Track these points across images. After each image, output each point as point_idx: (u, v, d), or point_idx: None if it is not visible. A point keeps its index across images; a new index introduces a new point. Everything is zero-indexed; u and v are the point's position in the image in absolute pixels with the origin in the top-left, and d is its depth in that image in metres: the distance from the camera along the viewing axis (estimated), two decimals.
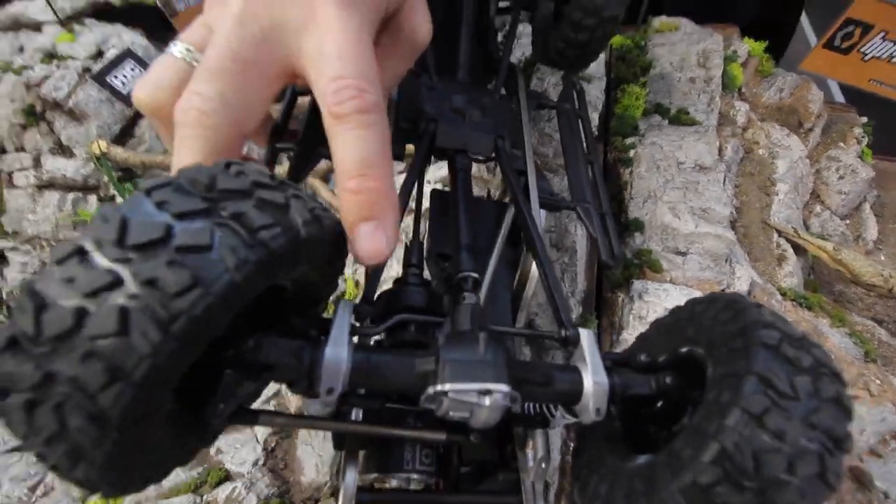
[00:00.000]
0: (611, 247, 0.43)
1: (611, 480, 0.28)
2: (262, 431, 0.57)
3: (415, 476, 0.32)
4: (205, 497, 0.51)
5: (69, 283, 0.16)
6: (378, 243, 0.24)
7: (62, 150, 1.26)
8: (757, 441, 0.21)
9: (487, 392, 0.25)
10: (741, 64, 0.88)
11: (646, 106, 0.79)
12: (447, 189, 0.43)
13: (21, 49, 1.34)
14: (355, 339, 0.27)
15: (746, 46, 0.90)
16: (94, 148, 1.17)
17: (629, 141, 0.74)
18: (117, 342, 0.16)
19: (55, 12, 1.45)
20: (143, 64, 1.32)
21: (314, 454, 0.53)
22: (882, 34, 0.79)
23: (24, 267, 1.25)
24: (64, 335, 0.16)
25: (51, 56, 1.29)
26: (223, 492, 0.51)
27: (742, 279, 0.57)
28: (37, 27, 1.43)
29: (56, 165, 1.23)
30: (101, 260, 0.16)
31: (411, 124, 0.42)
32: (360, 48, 0.25)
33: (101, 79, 1.25)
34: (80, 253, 0.17)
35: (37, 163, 1.26)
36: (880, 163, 1.06)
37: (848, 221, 0.91)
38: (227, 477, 0.54)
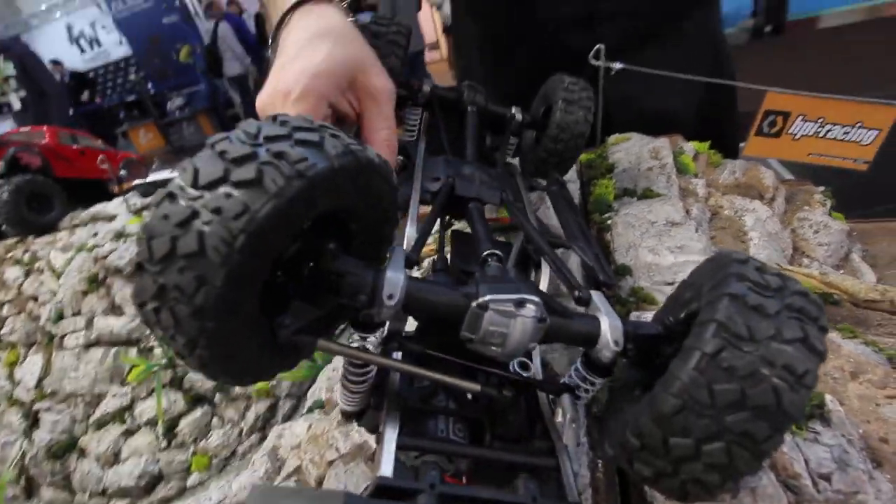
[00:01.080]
0: (605, 271, 0.50)
1: (622, 421, 0.30)
2: None
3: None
4: None
5: (165, 219, 0.23)
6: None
7: (114, 310, 1.40)
8: (710, 376, 0.25)
9: (522, 302, 0.30)
10: (692, 157, 1.04)
11: (616, 191, 0.92)
12: (466, 230, 0.52)
13: (96, 234, 1.61)
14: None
15: (692, 145, 1.07)
16: None
17: (606, 216, 0.85)
18: (199, 258, 0.22)
19: (129, 208, 1.78)
20: None
21: None
22: (801, 117, 0.95)
23: (54, 426, 1.27)
24: (166, 256, 0.22)
25: (120, 235, 1.54)
26: None
27: None
28: (111, 218, 1.74)
29: (106, 323, 1.36)
30: (182, 199, 0.23)
31: (433, 182, 0.53)
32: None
33: None
34: (170, 196, 0.24)
35: (89, 323, 1.39)
36: (857, 225, 1.12)
37: (843, 271, 0.94)
38: None
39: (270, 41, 0.46)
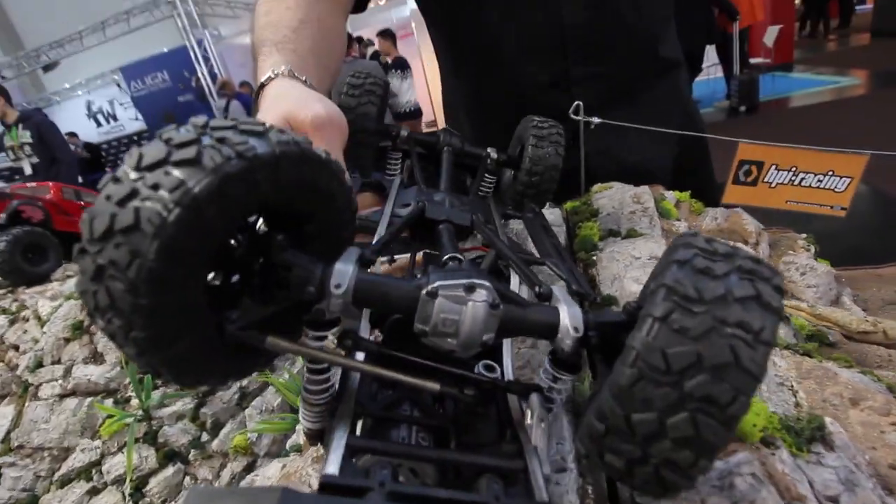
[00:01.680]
0: (580, 283, 0.50)
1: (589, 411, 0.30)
2: None
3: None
4: None
5: (108, 199, 0.24)
6: None
7: (94, 358, 1.36)
8: (663, 340, 0.24)
9: (472, 287, 0.30)
10: (673, 204, 1.07)
11: (601, 233, 0.94)
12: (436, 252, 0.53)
13: None
14: None
15: (673, 194, 1.11)
16: None
17: (591, 253, 0.86)
18: (134, 232, 0.23)
19: None
20: None
21: None
22: (774, 166, 0.99)
23: (15, 482, 1.18)
24: (104, 234, 0.23)
25: None
26: None
27: None
28: None
29: (85, 372, 1.31)
30: (125, 180, 0.24)
31: (403, 207, 0.55)
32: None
33: None
34: (115, 179, 0.25)
35: (67, 372, 1.34)
36: (844, 272, 1.13)
37: None
38: None
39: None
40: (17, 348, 1.51)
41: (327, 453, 0.28)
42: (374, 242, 0.44)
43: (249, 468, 1.23)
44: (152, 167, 0.24)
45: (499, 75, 1.06)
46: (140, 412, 1.24)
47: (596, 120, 1.03)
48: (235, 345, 0.30)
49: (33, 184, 2.35)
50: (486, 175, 0.76)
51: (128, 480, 1.12)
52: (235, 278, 0.32)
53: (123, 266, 0.23)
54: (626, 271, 0.73)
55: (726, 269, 0.26)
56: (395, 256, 0.59)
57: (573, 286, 0.46)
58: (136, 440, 1.21)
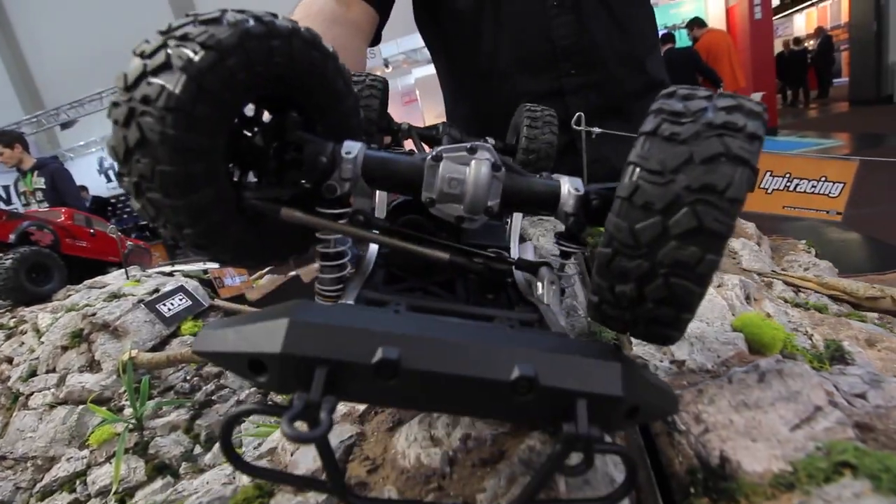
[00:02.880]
0: None
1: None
2: None
3: None
4: None
5: (139, 55, 0.27)
6: None
7: (91, 367, 1.33)
8: (630, 217, 0.25)
9: (475, 149, 0.33)
10: None
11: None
12: None
13: (89, 297, 1.60)
14: None
15: None
16: (124, 356, 1.25)
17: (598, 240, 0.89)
18: (165, 70, 0.26)
19: (128, 276, 1.79)
20: (190, 297, 1.55)
21: None
22: (768, 173, 1.04)
23: None
24: (138, 78, 0.26)
25: (114, 296, 1.53)
26: None
27: (732, 279, 0.61)
28: (106, 286, 1.74)
29: (79, 380, 1.27)
30: (153, 39, 0.28)
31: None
32: None
33: (151, 305, 1.45)
34: (145, 41, 0.28)
35: (61, 381, 1.30)
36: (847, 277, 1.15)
37: None
38: None
39: None
40: (10, 361, 1.47)
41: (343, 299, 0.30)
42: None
43: None
44: (180, 27, 0.28)
45: (496, 90, 1.14)
46: (133, 421, 1.19)
47: (597, 130, 1.09)
48: (257, 221, 0.32)
49: (46, 208, 2.40)
50: None
51: (113, 491, 1.06)
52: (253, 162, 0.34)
53: (154, 98, 0.26)
54: None
55: (693, 130, 0.26)
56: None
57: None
58: (126, 450, 1.15)
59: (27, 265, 1.86)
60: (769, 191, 1.07)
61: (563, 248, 0.36)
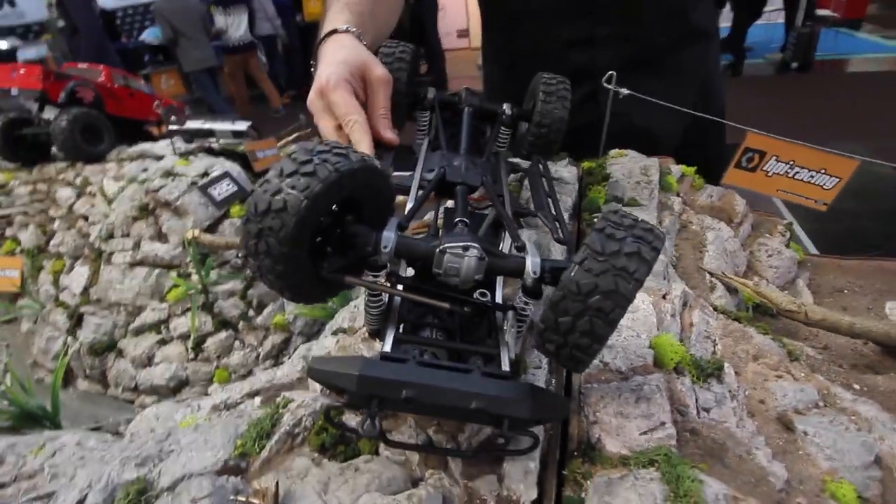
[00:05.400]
0: (561, 231, 0.66)
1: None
2: None
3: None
4: None
5: (265, 191, 0.41)
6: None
7: (160, 237, 1.58)
8: (579, 276, 0.40)
9: (468, 247, 0.48)
10: (677, 179, 1.21)
11: (606, 198, 1.10)
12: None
13: (145, 170, 1.79)
14: None
15: (680, 168, 1.24)
16: (188, 234, 1.49)
17: (594, 215, 1.03)
18: (283, 211, 0.40)
19: (174, 150, 1.96)
20: (236, 183, 1.74)
21: None
22: (774, 158, 1.12)
23: (97, 328, 1.45)
24: (264, 211, 0.41)
25: (169, 174, 1.72)
26: None
27: (676, 289, 0.79)
28: (159, 158, 1.92)
29: (152, 248, 1.54)
30: (273, 180, 0.41)
31: (430, 172, 0.70)
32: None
33: (203, 189, 1.65)
34: (266, 181, 0.42)
35: (136, 245, 1.58)
36: (811, 259, 1.30)
37: (787, 291, 1.12)
38: None
39: (312, 60, 0.69)
40: (86, 219, 1.73)
41: (383, 342, 0.49)
42: (406, 210, 0.58)
43: (286, 342, 1.51)
44: (290, 175, 0.42)
45: (525, 33, 1.09)
46: (200, 286, 1.49)
47: (625, 91, 1.13)
48: (327, 281, 0.50)
49: (84, 65, 2.44)
50: (503, 129, 0.88)
51: (191, 337, 1.39)
52: (323, 241, 0.50)
53: (277, 230, 0.41)
54: None
55: (624, 235, 0.41)
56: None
57: (554, 235, 0.63)
58: (197, 308, 1.47)
59: (80, 125, 2.01)
60: (770, 174, 1.15)
61: (524, 300, 0.53)
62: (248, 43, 4.87)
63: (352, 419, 0.55)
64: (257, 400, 0.77)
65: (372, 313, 0.54)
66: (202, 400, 0.70)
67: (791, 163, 1.16)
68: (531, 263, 0.47)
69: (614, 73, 1.10)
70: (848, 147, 1.13)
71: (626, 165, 1.18)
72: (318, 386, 0.63)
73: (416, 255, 0.48)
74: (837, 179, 1.15)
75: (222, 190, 1.67)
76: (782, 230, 1.21)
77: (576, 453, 0.52)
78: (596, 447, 0.52)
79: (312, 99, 0.62)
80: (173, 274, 1.50)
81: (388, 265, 0.48)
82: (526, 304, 0.50)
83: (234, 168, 1.82)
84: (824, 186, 1.18)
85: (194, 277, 1.50)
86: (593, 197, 1.11)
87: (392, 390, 0.39)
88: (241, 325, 1.48)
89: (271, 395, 0.77)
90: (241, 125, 2.18)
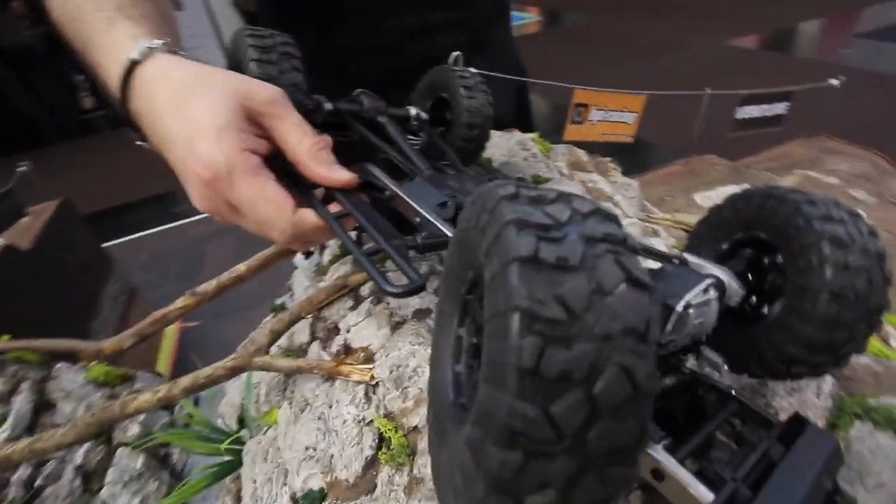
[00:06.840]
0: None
1: None
2: None
3: None
4: None
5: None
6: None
7: None
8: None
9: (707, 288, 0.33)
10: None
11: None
12: None
13: None
14: None
15: (528, 136, 1.27)
16: None
17: None
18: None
19: None
20: None
21: None
22: (595, 107, 1.25)
23: None
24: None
25: None
26: None
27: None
28: None
29: None
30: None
31: (440, 208, 0.51)
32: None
33: None
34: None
35: None
36: (640, 177, 1.57)
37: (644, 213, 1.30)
38: None
39: (130, 122, 0.41)
40: None
41: None
42: None
43: None
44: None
45: (355, 26, 0.98)
46: None
47: (472, 71, 1.07)
48: None
49: None
50: (410, 137, 0.73)
51: None
52: None
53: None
54: None
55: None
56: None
57: None
58: None
59: None
60: (594, 122, 1.30)
61: None
62: None
63: None
64: None
65: None
66: None
67: (605, 108, 1.33)
68: None
69: (460, 54, 1.05)
70: None
71: (500, 146, 1.14)
72: None
73: None
74: (635, 114, 1.38)
75: None
76: (614, 165, 1.40)
77: None
78: None
79: (210, 209, 0.39)
80: None
81: None
82: None
83: None
84: (627, 122, 1.40)
85: None
86: None
87: None
88: None
89: None
90: None
